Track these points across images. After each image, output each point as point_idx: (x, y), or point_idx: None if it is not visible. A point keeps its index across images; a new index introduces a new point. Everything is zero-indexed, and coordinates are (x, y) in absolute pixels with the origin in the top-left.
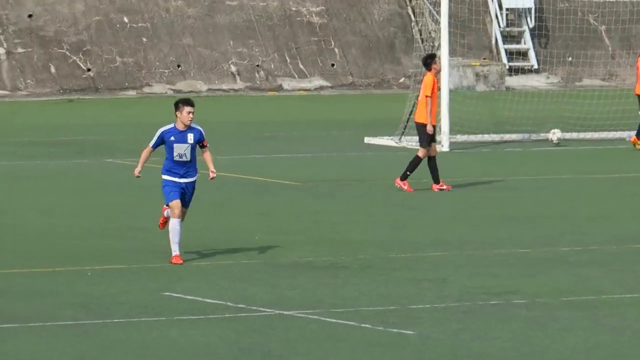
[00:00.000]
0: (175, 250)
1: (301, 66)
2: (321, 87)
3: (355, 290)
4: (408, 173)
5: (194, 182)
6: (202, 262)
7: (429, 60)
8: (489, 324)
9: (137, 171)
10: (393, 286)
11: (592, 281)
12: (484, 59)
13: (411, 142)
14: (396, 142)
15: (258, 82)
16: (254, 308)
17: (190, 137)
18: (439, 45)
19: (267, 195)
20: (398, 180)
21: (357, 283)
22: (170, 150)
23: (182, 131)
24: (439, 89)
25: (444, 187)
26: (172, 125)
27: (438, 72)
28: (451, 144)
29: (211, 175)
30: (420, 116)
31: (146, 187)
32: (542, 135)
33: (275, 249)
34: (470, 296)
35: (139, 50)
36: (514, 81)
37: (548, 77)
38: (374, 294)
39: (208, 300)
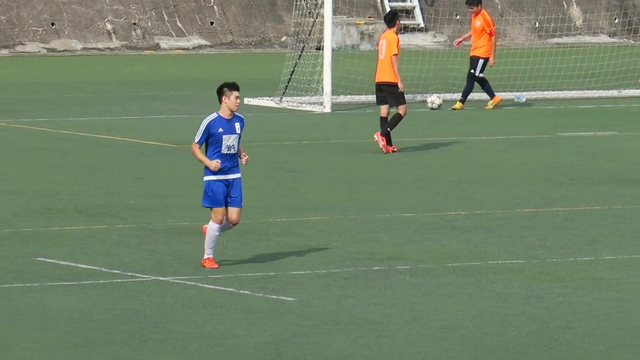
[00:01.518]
0: (209, 253)
1: (179, 24)
2: (200, 46)
3: (236, 256)
4: (389, 130)
5: (240, 177)
6: (76, 227)
7: (394, 18)
8: (372, 290)
9: (215, 164)
10: (274, 252)
11: (477, 247)
12: (369, 17)
13: (292, 102)
14: (277, 103)
15: (135, 40)
16: (130, 274)
17: (237, 127)
18: (322, 3)
19: (143, 158)
20: (389, 148)
21: (237, 248)
22: (218, 143)
23: (228, 120)
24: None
25: (393, 149)
26: (216, 115)
27: (399, 30)
28: (333, 105)
29: (245, 158)
30: (389, 76)
31: (20, 149)
32: (426, 96)
33: (152, 214)
34: (353, 262)
35: (11, 7)
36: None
37: (435, 36)
38: (255, 259)
39: (82, 266)
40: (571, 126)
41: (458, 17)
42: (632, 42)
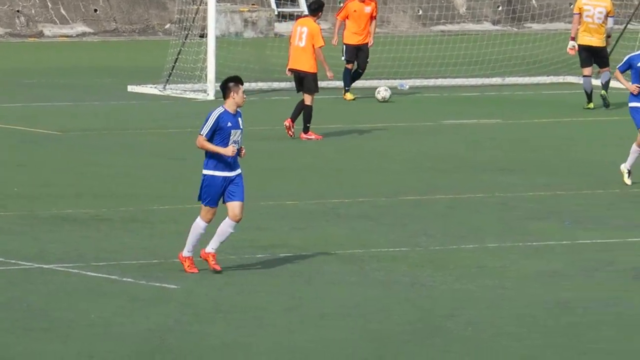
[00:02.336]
0: (190, 251)
1: (63, 11)
2: (84, 34)
3: (118, 244)
4: (308, 125)
5: (241, 173)
6: None
7: (319, 7)
8: (255, 277)
9: (232, 148)
10: (157, 239)
11: (361, 234)
12: (252, 4)
13: (176, 90)
14: (160, 91)
15: (18, 28)
16: (13, 261)
17: (241, 122)
18: None
19: (26, 145)
20: (303, 135)
21: (120, 236)
22: (226, 138)
23: (234, 115)
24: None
25: (312, 136)
26: (222, 109)
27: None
28: (217, 92)
29: (243, 152)
30: (306, 65)
31: None
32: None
33: (35, 202)
34: (236, 249)
35: None
36: (283, 27)
37: (318, 23)
38: (137, 247)
39: None
40: (455, 114)
41: (341, 4)
42: (516, 29)
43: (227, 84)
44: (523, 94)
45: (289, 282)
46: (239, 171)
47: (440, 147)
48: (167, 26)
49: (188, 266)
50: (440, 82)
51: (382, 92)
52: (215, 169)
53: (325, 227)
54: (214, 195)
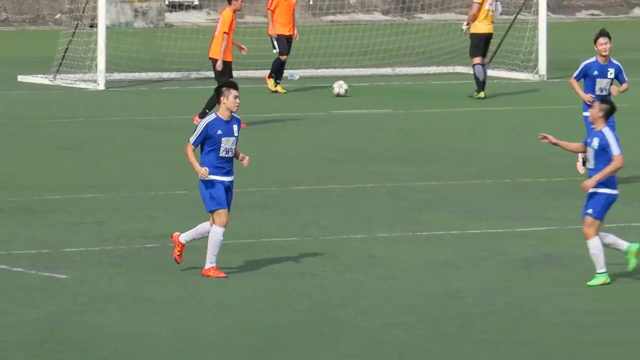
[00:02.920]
0: (212, 262)
1: None
2: None
3: (9, 234)
4: (207, 110)
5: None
6: None
7: None
8: (146, 267)
9: (203, 172)
10: (48, 229)
11: (252, 224)
12: None
13: (66, 80)
14: (50, 80)
15: None
16: None
17: (235, 129)
18: None
19: None
20: (197, 118)
21: (11, 226)
22: (217, 145)
23: (227, 121)
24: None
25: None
26: (214, 116)
27: (237, 10)
28: (108, 82)
29: (247, 160)
30: (214, 52)
31: None
32: (202, 74)
33: None
34: (126, 239)
35: None
36: (173, 17)
37: (209, 13)
38: (28, 237)
39: None
40: (346, 104)
41: None
42: (406, 20)
43: (220, 89)
44: (413, 84)
45: (181, 272)
46: (232, 177)
47: (332, 137)
48: (58, 16)
49: (216, 274)
50: (330, 72)
51: (337, 89)
52: (217, 174)
53: None
54: (220, 196)
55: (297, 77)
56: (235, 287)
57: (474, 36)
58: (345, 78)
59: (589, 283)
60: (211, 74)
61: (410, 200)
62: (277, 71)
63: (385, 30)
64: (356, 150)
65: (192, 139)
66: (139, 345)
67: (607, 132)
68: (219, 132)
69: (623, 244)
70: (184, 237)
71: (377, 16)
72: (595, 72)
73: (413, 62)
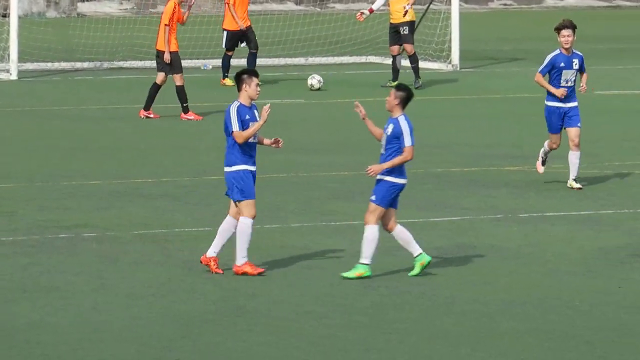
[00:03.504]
0: (245, 257)
1: None
2: None
3: None
4: (185, 105)
5: None
6: None
7: None
8: (59, 257)
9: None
10: None
11: (164, 214)
12: None
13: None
14: None
15: None
16: None
17: (256, 114)
18: None
19: None
20: (182, 115)
21: None
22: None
23: (249, 108)
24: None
25: (152, 115)
26: (238, 103)
27: (181, 1)
28: (20, 72)
29: (281, 142)
30: (159, 44)
31: None
32: (115, 64)
33: None
34: (39, 230)
35: None
36: (86, 7)
37: (121, 3)
38: None
39: None
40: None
41: None
42: (319, 10)
43: (241, 76)
44: (326, 74)
45: (94, 262)
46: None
47: None
48: None
49: (252, 269)
50: (243, 62)
51: (311, 80)
52: (244, 163)
53: (128, 207)
54: (250, 186)
55: (210, 67)
56: (148, 276)
57: (394, 26)
58: (258, 68)
59: (345, 274)
60: (123, 63)
61: (323, 190)
62: (227, 65)
63: (299, 20)
64: None
65: (235, 126)
66: (51, 335)
67: (402, 120)
68: (247, 117)
69: (416, 250)
70: (212, 251)
71: (290, 6)
72: (562, 64)
73: (326, 52)
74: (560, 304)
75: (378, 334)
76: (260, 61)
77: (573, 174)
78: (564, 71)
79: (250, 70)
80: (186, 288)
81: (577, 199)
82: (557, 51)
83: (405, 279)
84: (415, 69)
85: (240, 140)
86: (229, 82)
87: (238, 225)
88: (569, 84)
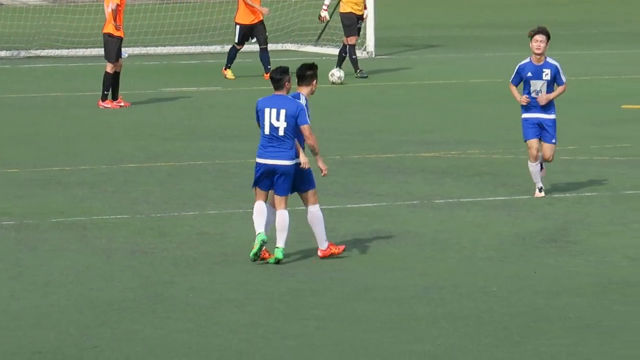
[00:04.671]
0: (326, 238)
1: None
2: None
3: None
4: (106, 92)
5: None
6: None
7: None
8: None
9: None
10: None
11: (82, 202)
12: None
13: None
14: None
15: None
16: None
17: None
18: None
19: None
20: (100, 102)
21: None
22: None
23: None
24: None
25: (122, 103)
26: (304, 97)
27: None
28: None
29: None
30: (106, 27)
31: None
32: (33, 52)
33: None
34: None
35: None
36: None
37: None
38: None
39: None
40: (175, 82)
41: None
42: None
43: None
44: (242, 61)
45: (12, 250)
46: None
47: (162, 114)
48: None
49: (337, 249)
50: (159, 50)
51: (336, 75)
52: (297, 156)
53: (46, 195)
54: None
55: (127, 55)
56: (66, 264)
57: (349, 15)
58: (174, 56)
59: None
60: (40, 52)
61: (241, 177)
62: (233, 57)
63: (214, 8)
64: (186, 128)
65: (309, 119)
66: None
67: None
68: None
69: (259, 228)
70: (325, 241)
71: None
72: (529, 74)
73: None
74: (477, 290)
75: (296, 320)
76: (177, 49)
77: (539, 183)
78: (531, 81)
79: (314, 66)
80: (104, 275)
81: (493, 185)
82: (527, 59)
83: (322, 266)
84: (342, 59)
85: (311, 134)
86: (229, 74)
87: (315, 214)
88: (540, 94)
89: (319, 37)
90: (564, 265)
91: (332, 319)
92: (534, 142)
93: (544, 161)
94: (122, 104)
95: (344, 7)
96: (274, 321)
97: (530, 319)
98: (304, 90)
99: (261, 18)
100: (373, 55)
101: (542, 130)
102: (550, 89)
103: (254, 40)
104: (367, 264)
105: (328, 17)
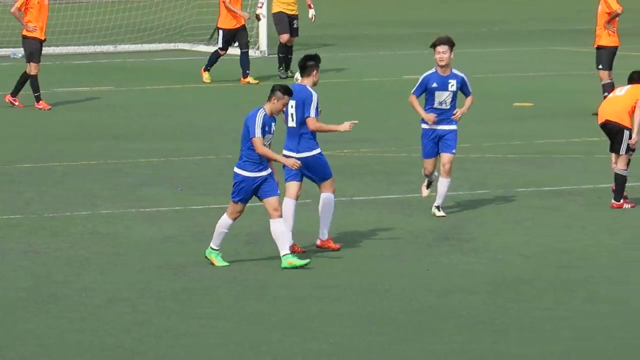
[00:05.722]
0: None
1: None
2: None
3: None
4: (36, 94)
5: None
6: None
7: None
8: None
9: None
10: None
11: None
12: None
13: None
14: None
15: None
16: None
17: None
18: None
19: None
20: (9, 97)
21: None
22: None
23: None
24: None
25: (17, 103)
26: (315, 93)
27: None
28: None
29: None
30: (23, 29)
31: None
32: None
33: None
34: None
35: None
36: None
37: None
38: None
39: None
40: (68, 82)
41: None
42: None
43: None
44: (135, 61)
45: None
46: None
47: (55, 114)
48: None
49: (335, 246)
50: (52, 50)
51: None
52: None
53: None
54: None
55: (20, 55)
56: None
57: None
58: (66, 56)
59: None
60: None
61: (133, 177)
62: (214, 61)
63: (107, 8)
64: (80, 128)
65: (315, 114)
66: None
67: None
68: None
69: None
70: (325, 234)
71: None
72: (435, 85)
73: (135, 39)
74: (371, 288)
75: (190, 319)
76: (69, 49)
77: (438, 201)
78: (437, 92)
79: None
80: None
81: (386, 184)
82: (432, 70)
83: (217, 265)
84: (288, 60)
85: (314, 125)
86: (207, 76)
87: (328, 201)
88: (444, 106)
89: (211, 36)
90: (457, 263)
91: (226, 318)
92: (429, 163)
93: (443, 175)
94: (16, 103)
95: (274, 7)
96: (167, 320)
97: (424, 317)
98: (306, 81)
99: (243, 22)
100: (266, 55)
101: (441, 141)
102: (455, 100)
103: (236, 44)
104: (262, 262)
105: (264, 15)
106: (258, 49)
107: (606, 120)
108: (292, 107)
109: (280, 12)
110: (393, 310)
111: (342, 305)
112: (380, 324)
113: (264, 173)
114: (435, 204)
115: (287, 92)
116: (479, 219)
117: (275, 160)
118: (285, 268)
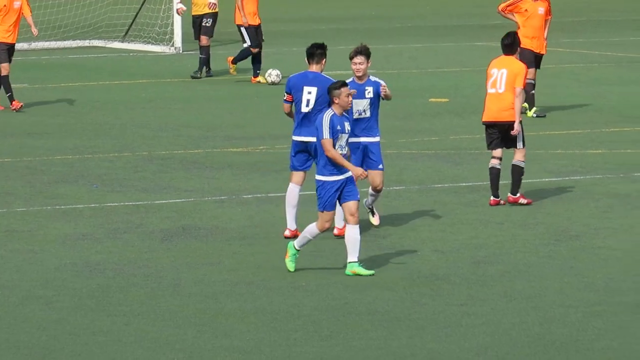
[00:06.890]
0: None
1: None
2: None
3: None
4: (9, 94)
5: None
6: None
7: None
8: None
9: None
10: None
11: None
12: None
13: None
14: None
15: None
16: None
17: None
18: None
19: None
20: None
21: None
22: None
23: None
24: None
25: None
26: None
27: None
28: None
29: None
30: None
31: None
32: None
33: None
34: None
35: None
36: None
37: None
38: None
39: None
40: None
41: None
42: None
43: (317, 51)
44: (49, 58)
45: None
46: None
47: None
48: None
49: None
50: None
51: (273, 77)
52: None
53: None
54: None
55: None
56: None
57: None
58: None
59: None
60: None
61: (48, 174)
62: (242, 59)
63: (35, 3)
64: None
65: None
66: None
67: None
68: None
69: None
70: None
71: None
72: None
73: (49, 36)
74: (286, 284)
75: (104, 316)
76: None
77: (375, 220)
78: (355, 101)
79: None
80: None
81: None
82: (350, 79)
83: (131, 262)
84: (205, 60)
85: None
86: (234, 69)
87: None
88: (364, 115)
89: (126, 33)
90: (374, 259)
91: (140, 315)
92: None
93: (374, 191)
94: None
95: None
96: (83, 317)
97: (340, 313)
98: (315, 68)
99: (259, 22)
100: (180, 51)
101: (365, 157)
102: (374, 108)
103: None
104: (175, 259)
105: (184, 9)
106: (173, 45)
107: (495, 120)
108: (309, 92)
109: (194, 15)
110: (309, 306)
111: (256, 302)
112: (296, 320)
113: (342, 177)
114: (372, 215)
115: (343, 84)
116: (394, 215)
117: (343, 166)
118: (348, 275)
